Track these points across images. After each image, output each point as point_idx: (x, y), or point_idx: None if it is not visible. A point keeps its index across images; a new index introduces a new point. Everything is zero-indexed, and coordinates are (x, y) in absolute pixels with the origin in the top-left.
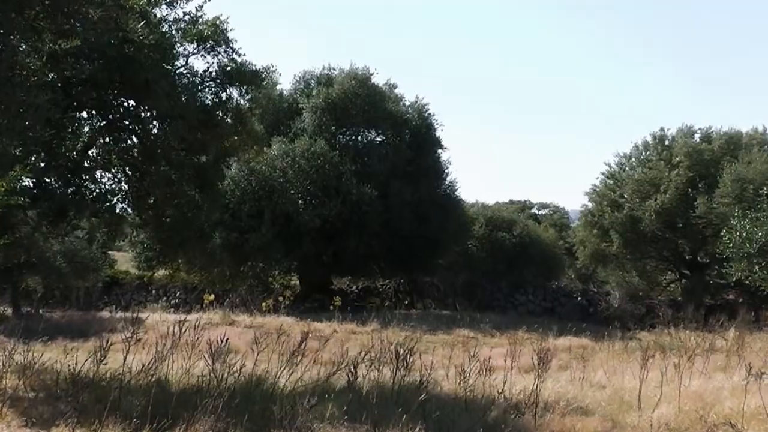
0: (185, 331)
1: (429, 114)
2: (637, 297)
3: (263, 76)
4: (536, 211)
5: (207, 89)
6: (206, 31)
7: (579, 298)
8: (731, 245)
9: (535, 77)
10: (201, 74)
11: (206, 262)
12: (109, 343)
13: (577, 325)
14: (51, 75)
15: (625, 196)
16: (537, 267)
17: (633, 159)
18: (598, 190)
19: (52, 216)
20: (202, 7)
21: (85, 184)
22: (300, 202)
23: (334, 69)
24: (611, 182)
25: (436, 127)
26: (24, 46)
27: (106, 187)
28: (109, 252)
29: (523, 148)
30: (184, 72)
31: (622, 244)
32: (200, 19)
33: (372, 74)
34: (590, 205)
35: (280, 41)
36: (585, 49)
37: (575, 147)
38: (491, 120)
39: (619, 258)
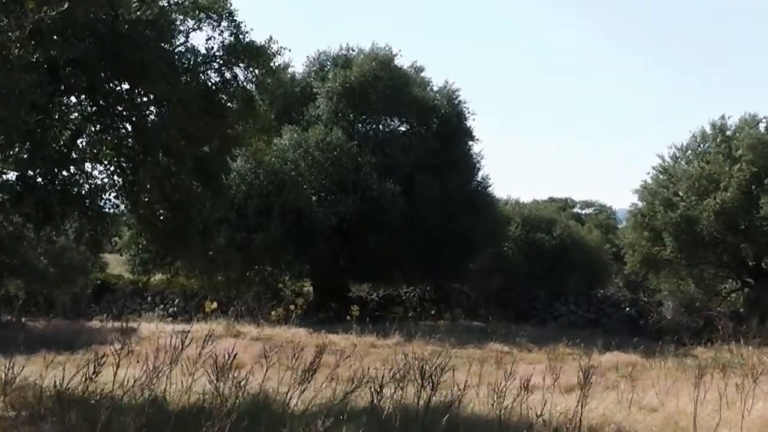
0: (185, 344)
1: (459, 101)
2: (693, 308)
3: (271, 52)
4: (579, 211)
5: (209, 69)
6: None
7: (627, 309)
8: None
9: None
10: (202, 53)
11: (208, 266)
12: (99, 357)
13: (626, 339)
14: (35, 55)
15: (680, 193)
16: (580, 273)
17: (689, 152)
18: (649, 187)
19: (38, 218)
20: None
21: (73, 178)
22: (313, 198)
23: (352, 49)
24: (664, 178)
25: (467, 115)
26: (5, 21)
27: (97, 181)
28: (100, 254)
29: (564, 140)
30: (184, 51)
31: (676, 248)
32: None
33: (395, 55)
34: (640, 203)
35: (290, 20)
36: (634, 38)
37: (623, 139)
38: (528, 108)
39: (672, 264)
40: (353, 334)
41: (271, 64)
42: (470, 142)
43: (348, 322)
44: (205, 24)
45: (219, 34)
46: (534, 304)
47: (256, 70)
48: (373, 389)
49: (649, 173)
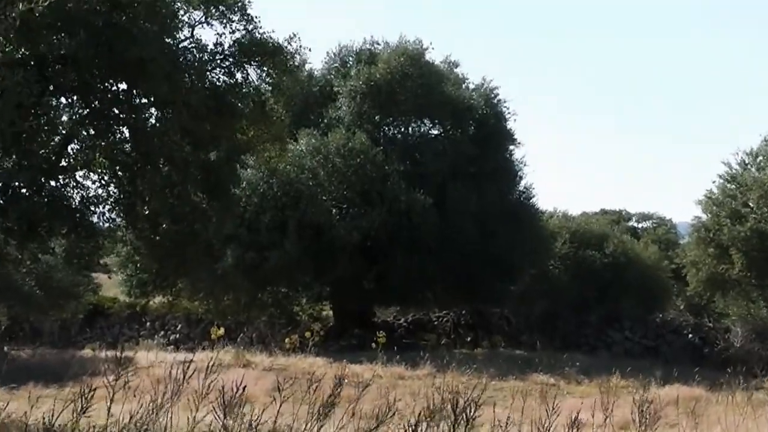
0: (188, 375)
1: (499, 100)
2: (765, 334)
3: (289, 51)
4: (635, 224)
5: (218, 68)
6: None
7: (690, 336)
8: None
9: (635, 53)
10: (210, 49)
11: (215, 287)
12: (91, 390)
13: (688, 369)
14: (22, 50)
15: (750, 204)
16: (636, 295)
17: (760, 157)
18: (714, 197)
19: (21, 233)
20: None
21: (63, 188)
22: (334, 211)
23: (378, 43)
24: (732, 187)
25: (507, 116)
26: None
27: (90, 192)
28: (93, 274)
29: (619, 145)
30: (189, 46)
31: (745, 266)
32: None
33: (426, 49)
34: (704, 216)
35: (310, 12)
36: (701, 25)
37: (685, 144)
38: (574, 109)
39: (741, 284)
40: (378, 364)
41: (289, 65)
42: (511, 147)
43: (373, 351)
44: (214, 19)
45: (229, 31)
46: (584, 330)
47: (271, 70)
48: (405, 426)
49: (714, 182)
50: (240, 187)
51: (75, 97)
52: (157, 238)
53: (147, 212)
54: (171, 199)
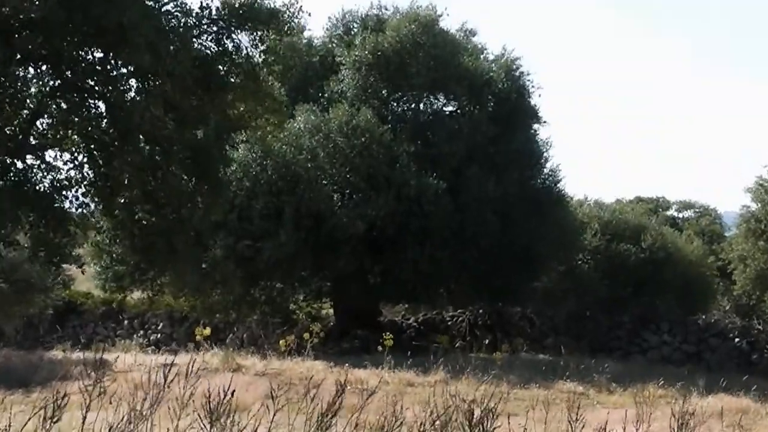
0: (171, 380)
1: (521, 73)
2: None
3: (285, 16)
4: (675, 214)
5: (205, 34)
6: None
7: (737, 340)
8: None
9: (680, 19)
10: (196, 13)
11: (201, 282)
12: (62, 396)
13: (735, 378)
14: None
15: None
16: (676, 294)
17: None
18: (765, 184)
19: None
20: None
21: (30, 170)
22: (335, 197)
23: (386, 8)
24: None
25: (531, 91)
26: None
27: (61, 174)
28: (64, 265)
29: (657, 126)
30: (174, 11)
31: None
32: None
33: (440, 16)
34: (754, 205)
35: None
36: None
37: (734, 124)
38: (606, 85)
39: None
40: (385, 369)
41: (285, 31)
42: (535, 126)
43: (378, 354)
44: None
45: None
46: (616, 332)
47: (265, 37)
48: None
49: (766, 167)
50: (230, 170)
51: (45, 67)
52: (137, 226)
53: (126, 197)
54: (153, 182)
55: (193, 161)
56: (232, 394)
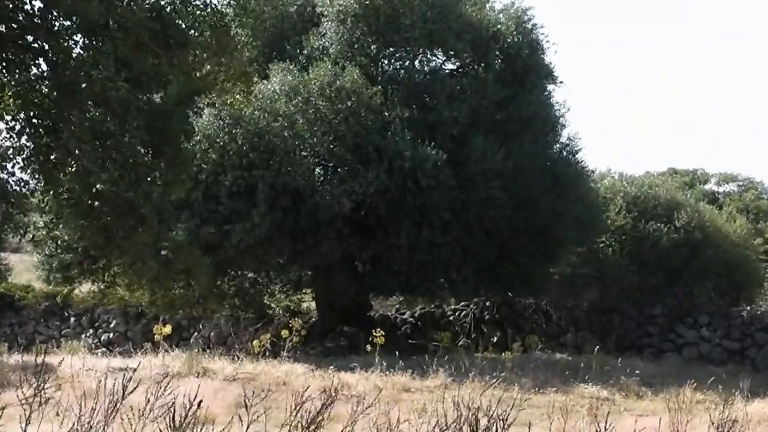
0: (127, 388)
1: (534, 26)
2: None
3: None
4: (715, 188)
5: None
6: None
7: None
8: None
9: None
10: None
11: (161, 271)
12: None
13: None
14: None
15: None
16: (716, 281)
17: None
18: None
19: None
20: None
21: None
22: (317, 171)
23: None
24: None
25: (545, 47)
26: None
27: None
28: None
29: (693, 87)
30: None
31: None
32: None
33: None
34: None
35: None
36: None
37: None
38: (632, 39)
39: None
40: (376, 372)
41: None
42: (550, 87)
43: (368, 355)
44: None
45: None
46: (646, 328)
47: None
48: None
49: None
50: (194, 140)
51: None
52: (86, 205)
53: (72, 171)
54: (103, 154)
55: (149, 130)
56: (199, 405)
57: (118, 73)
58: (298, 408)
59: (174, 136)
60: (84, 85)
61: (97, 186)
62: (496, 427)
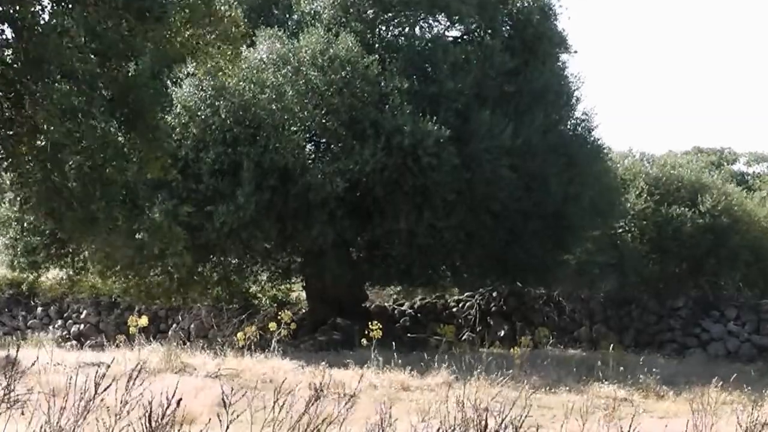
0: (100, 385)
1: None
2: None
3: None
4: (744, 168)
5: None
6: None
7: None
8: None
9: None
10: None
11: (136, 257)
12: None
13: None
14: None
15: None
16: (745, 271)
17: None
18: None
19: None
20: None
21: None
22: (308, 147)
23: None
24: None
25: (557, 12)
26: None
27: None
28: None
29: (719, 55)
30: None
31: None
32: None
33: None
34: None
35: None
36: None
37: None
38: (647, 4)
39: None
40: (372, 369)
41: None
42: (563, 57)
43: (363, 350)
44: None
45: None
46: (668, 321)
47: None
48: None
49: None
50: (172, 113)
51: None
52: (56, 184)
53: (38, 147)
54: (72, 130)
55: (122, 103)
56: (178, 404)
57: (87, 42)
58: (282, 406)
59: (149, 110)
60: (51, 55)
61: (68, 163)
62: (506, 430)
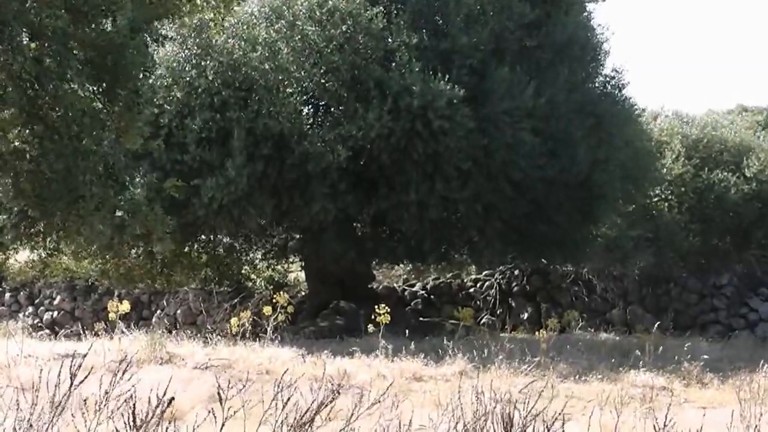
0: (77, 378)
1: None
2: None
3: None
4: None
5: None
6: None
7: None
8: None
9: None
10: None
11: (114, 236)
12: None
13: None
14: None
15: None
16: None
17: None
18: None
19: None
20: None
21: None
22: (305, 111)
23: None
24: None
25: None
26: None
27: None
28: None
29: (764, 5)
30: None
31: None
32: None
33: None
34: None
35: None
36: None
37: None
38: None
39: None
40: (380, 357)
41: None
42: (590, 6)
43: (370, 336)
44: None
45: None
46: (711, 301)
47: None
48: None
49: None
50: (153, 75)
51: None
52: (25, 157)
53: (5, 118)
54: (42, 96)
55: (98, 66)
56: (170, 403)
57: None
58: (286, 403)
59: (127, 72)
60: (16, 12)
61: (31, 137)
62: (532, 424)
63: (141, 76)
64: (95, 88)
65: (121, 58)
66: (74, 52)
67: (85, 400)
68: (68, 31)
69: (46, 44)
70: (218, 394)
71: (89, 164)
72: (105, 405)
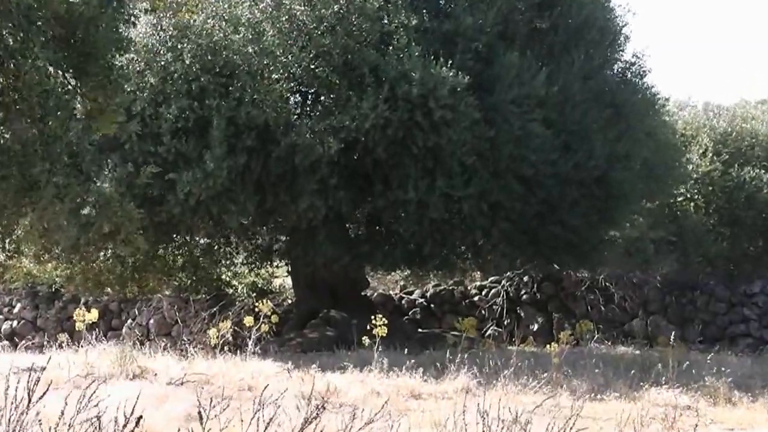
0: (37, 395)
1: None
2: None
3: None
4: None
5: None
6: None
7: None
8: None
9: None
10: None
11: (81, 236)
12: None
13: None
14: None
15: None
16: None
17: None
18: None
19: None
20: None
21: None
22: (293, 100)
23: None
24: None
25: None
26: None
27: None
28: None
29: None
30: None
31: None
32: None
33: None
34: None
35: None
36: None
37: None
38: None
39: None
40: (375, 372)
41: None
42: None
43: (364, 349)
44: None
45: None
46: (742, 311)
47: None
48: None
49: None
50: (126, 57)
51: None
52: None
53: None
54: (7, 77)
55: (68, 44)
56: (138, 422)
57: None
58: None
59: (97, 53)
60: None
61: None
62: None
63: (114, 52)
64: (63, 66)
65: (91, 34)
66: (38, 25)
67: (39, 421)
68: (31, 3)
69: (7, 18)
70: (199, 413)
71: (52, 150)
72: (68, 424)
